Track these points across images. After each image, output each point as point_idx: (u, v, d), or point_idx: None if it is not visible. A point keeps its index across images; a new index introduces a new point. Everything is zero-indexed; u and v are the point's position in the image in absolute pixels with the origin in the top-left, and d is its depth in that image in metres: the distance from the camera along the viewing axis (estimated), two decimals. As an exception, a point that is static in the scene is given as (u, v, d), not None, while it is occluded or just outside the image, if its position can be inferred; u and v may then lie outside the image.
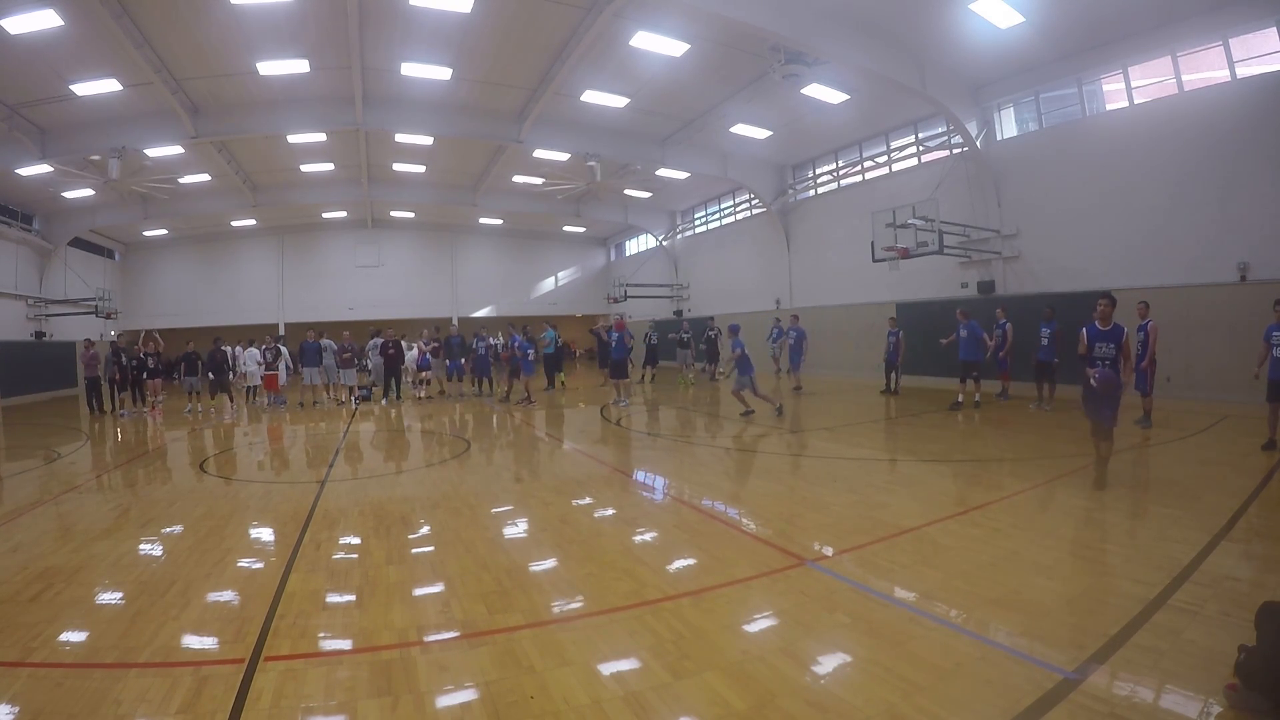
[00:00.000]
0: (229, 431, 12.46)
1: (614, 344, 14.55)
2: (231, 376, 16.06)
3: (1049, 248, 13.54)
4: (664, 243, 28.46)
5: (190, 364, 15.41)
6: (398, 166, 20.79)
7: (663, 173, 20.20)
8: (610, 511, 6.10)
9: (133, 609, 3.87)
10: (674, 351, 23.21)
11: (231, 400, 15.65)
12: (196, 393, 15.25)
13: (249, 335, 17.53)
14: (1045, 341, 10.91)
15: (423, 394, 16.66)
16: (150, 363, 15.27)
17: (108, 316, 21.90)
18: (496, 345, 17.11)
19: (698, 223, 26.84)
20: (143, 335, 16.27)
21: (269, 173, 20.73)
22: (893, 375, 13.90)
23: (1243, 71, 10.54)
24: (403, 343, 16.48)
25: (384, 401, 15.64)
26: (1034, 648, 3.08)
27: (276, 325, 26.16)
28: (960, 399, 11.57)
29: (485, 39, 12.67)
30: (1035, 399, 11.18)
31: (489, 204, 24.40)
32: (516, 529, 5.62)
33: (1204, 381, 10.89)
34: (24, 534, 5.57)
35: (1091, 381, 5.84)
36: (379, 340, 15.98)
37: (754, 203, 22.37)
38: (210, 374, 15.53)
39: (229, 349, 16.18)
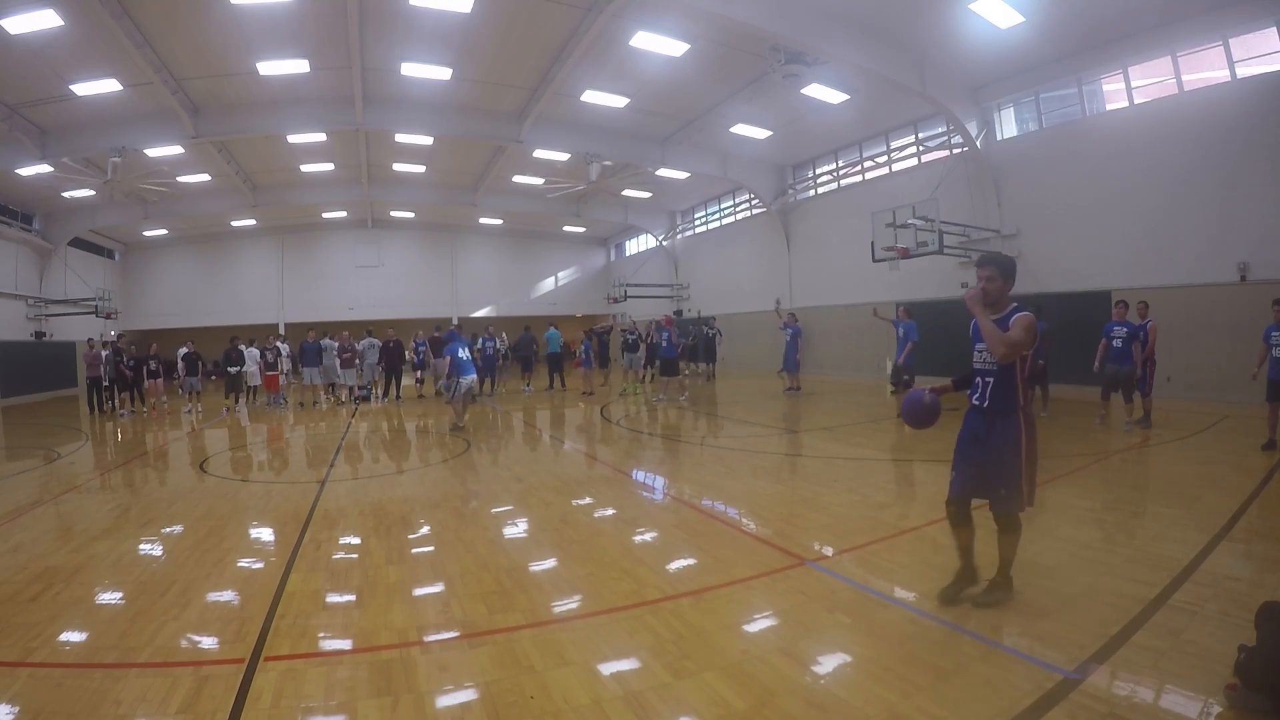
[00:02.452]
0: (229, 432, 12.45)
1: (665, 343, 14.71)
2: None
3: (1049, 248, 13.53)
4: (664, 243, 28.46)
5: (191, 364, 15.44)
6: (398, 166, 20.78)
7: (663, 173, 20.20)
8: (610, 511, 6.10)
9: (133, 609, 3.88)
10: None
11: (238, 401, 15.69)
12: (197, 393, 15.28)
13: (249, 335, 17.53)
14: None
15: (423, 393, 16.69)
16: (152, 364, 15.31)
17: (108, 316, 21.87)
18: (501, 346, 17.21)
19: (698, 223, 26.84)
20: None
21: (269, 173, 20.72)
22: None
23: (1243, 71, 10.54)
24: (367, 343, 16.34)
25: (383, 401, 15.66)
26: (1034, 648, 3.08)
27: (276, 325, 26.14)
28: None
29: (485, 39, 12.67)
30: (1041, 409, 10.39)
31: (489, 204, 24.39)
32: (516, 529, 5.62)
33: (1204, 381, 10.89)
34: (24, 534, 5.57)
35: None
36: (373, 341, 16.01)
37: (754, 203, 22.37)
38: (228, 370, 15.61)
39: (244, 348, 16.17)
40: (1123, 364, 8.71)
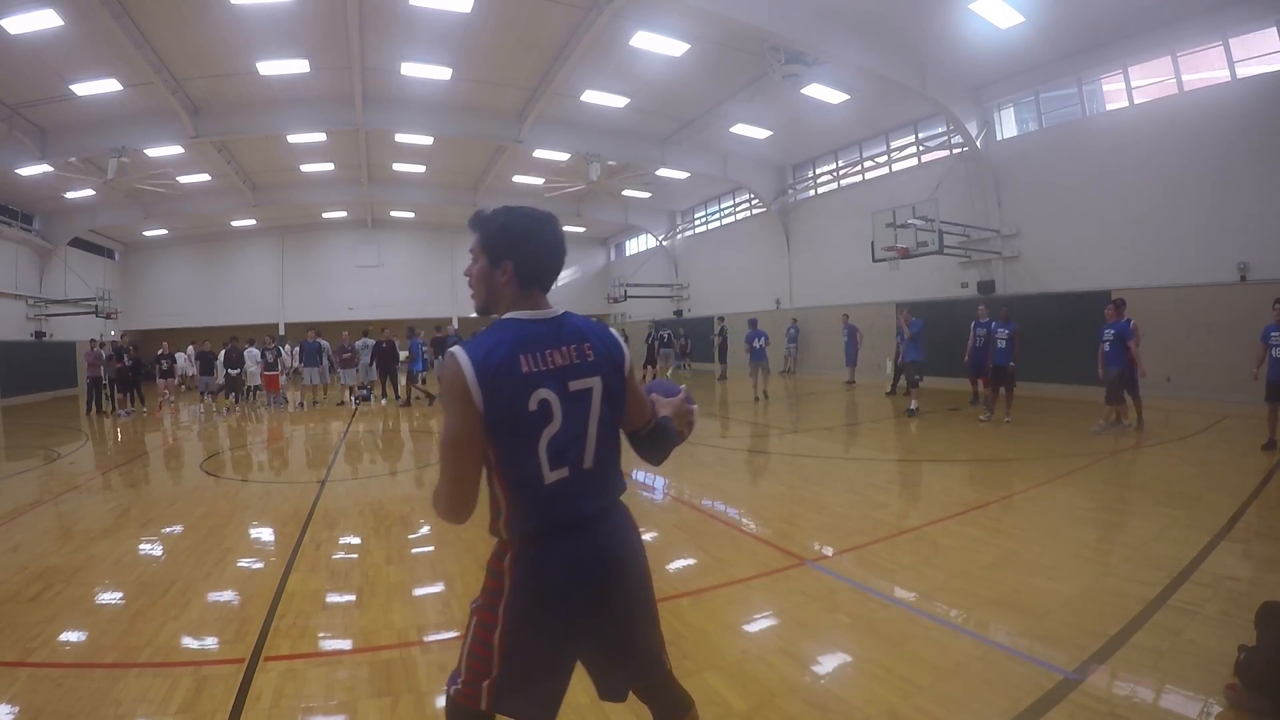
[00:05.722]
0: (229, 432, 12.45)
1: None
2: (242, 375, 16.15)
3: (1049, 248, 13.53)
4: (664, 243, 28.45)
5: (206, 363, 15.54)
6: (398, 166, 20.77)
7: (663, 173, 20.19)
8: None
9: (133, 609, 3.87)
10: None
11: (239, 401, 15.70)
12: (204, 393, 15.35)
13: (249, 335, 17.53)
14: (1003, 344, 9.89)
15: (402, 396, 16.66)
16: (164, 364, 15.40)
17: (108, 316, 21.88)
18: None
19: (698, 223, 26.83)
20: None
21: (269, 173, 20.71)
22: (901, 376, 13.93)
23: (1243, 71, 10.53)
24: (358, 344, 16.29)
25: (383, 402, 15.65)
26: (1034, 648, 3.08)
27: (276, 325, 26.14)
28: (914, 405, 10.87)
29: (485, 39, 12.66)
30: (984, 411, 10.23)
31: (489, 204, 23.80)
32: (516, 529, 5.60)
33: (1204, 381, 10.88)
34: (24, 534, 5.57)
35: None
36: (367, 341, 15.99)
37: (754, 203, 22.35)
38: (228, 371, 15.66)
39: (243, 349, 16.18)
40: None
